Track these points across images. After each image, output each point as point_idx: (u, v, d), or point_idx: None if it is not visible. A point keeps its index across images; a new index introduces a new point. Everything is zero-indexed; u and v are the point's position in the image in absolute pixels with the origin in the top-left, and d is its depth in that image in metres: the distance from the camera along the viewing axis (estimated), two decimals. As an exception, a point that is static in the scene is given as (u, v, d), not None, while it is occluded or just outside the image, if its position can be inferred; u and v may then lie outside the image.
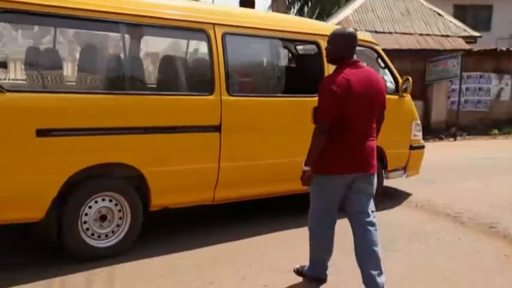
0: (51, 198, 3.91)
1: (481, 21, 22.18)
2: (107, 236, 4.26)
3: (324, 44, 4.93)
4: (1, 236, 4.73)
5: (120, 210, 4.31)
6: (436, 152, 9.78)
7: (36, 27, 4.47)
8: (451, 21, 16.01)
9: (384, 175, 6.06)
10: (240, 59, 5.01)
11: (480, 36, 16.46)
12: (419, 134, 6.33)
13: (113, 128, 4.10)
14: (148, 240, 4.73)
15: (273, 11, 13.52)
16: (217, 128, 4.60)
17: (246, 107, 4.82)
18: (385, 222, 5.51)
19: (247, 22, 4.88)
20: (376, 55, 6.10)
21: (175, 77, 4.75)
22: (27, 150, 3.76)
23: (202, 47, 4.76)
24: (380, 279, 3.55)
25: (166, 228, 5.10)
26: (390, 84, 6.18)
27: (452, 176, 7.04)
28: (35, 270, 4.01)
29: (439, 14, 16.16)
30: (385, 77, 6.26)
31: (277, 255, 4.46)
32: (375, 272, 3.55)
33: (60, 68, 4.36)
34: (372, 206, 3.70)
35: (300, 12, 25.20)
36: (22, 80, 4.03)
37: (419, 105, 14.26)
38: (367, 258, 3.58)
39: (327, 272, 3.92)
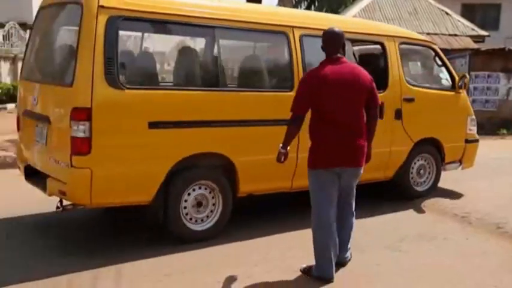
0: (158, 184, 4.40)
1: (489, 21, 22.07)
2: (202, 220, 4.70)
3: (387, 44, 5.81)
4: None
5: (213, 197, 4.74)
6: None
7: (148, 32, 5.19)
8: (459, 21, 15.96)
9: (441, 167, 6.46)
10: (315, 59, 5.32)
11: (488, 36, 16.38)
12: (474, 129, 6.74)
13: (210, 121, 4.61)
14: (155, 240, 4.75)
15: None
16: None
17: None
18: (392, 222, 5.51)
19: (321, 24, 5.11)
20: (433, 54, 6.50)
21: (260, 75, 5.21)
22: (141, 140, 4.29)
23: (282, 48, 5.21)
24: (347, 254, 4.20)
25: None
26: (446, 82, 6.56)
27: (460, 176, 7.00)
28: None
29: (447, 13, 16.09)
30: (441, 75, 6.64)
31: (282, 255, 4.46)
32: (344, 251, 4.15)
33: (167, 67, 4.90)
34: (353, 195, 4.14)
35: (307, 12, 25.16)
36: (137, 78, 4.62)
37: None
38: (343, 241, 4.08)
39: (334, 272, 3.93)
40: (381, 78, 5.65)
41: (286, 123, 3.98)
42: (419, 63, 8.14)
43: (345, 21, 6.45)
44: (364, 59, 6.22)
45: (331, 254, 3.92)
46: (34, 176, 4.77)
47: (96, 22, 4.08)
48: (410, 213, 5.86)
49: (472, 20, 17.81)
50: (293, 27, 5.10)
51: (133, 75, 4.55)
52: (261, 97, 4.95)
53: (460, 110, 6.56)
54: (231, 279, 3.95)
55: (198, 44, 5.41)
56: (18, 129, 5.24)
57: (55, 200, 4.52)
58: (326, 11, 23.86)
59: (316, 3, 25.27)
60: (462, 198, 6.43)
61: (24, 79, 5.27)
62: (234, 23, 4.82)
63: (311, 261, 4.02)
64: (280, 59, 5.45)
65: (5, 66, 22.74)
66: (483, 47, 15.06)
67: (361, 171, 4.02)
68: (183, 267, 4.16)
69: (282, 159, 3.92)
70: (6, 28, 23.09)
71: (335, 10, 23.29)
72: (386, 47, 5.83)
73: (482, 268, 4.37)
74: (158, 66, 4.81)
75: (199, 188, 4.66)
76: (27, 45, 5.34)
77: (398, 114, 5.82)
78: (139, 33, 5.14)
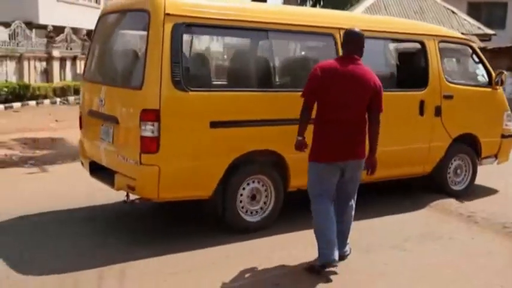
0: (218, 179, 4.69)
1: (496, 19, 21.95)
2: (256, 212, 4.99)
3: (428, 43, 6.02)
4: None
5: (266, 191, 5.01)
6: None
7: (208, 37, 5.57)
8: (465, 19, 15.89)
9: (477, 162, 6.66)
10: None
11: (495, 34, 16.28)
12: (510, 124, 6.92)
13: (264, 120, 4.86)
14: (162, 238, 4.77)
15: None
16: None
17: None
18: (398, 222, 5.49)
19: (365, 26, 5.25)
20: (471, 51, 6.75)
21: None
22: (202, 139, 4.58)
23: (330, 49, 5.40)
24: (346, 249, 4.30)
25: (177, 228, 5.12)
26: (482, 78, 6.79)
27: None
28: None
29: (453, 12, 16.03)
30: (477, 71, 6.91)
31: (286, 255, 4.45)
32: (343, 246, 4.25)
33: (225, 70, 5.21)
34: (356, 188, 4.26)
35: (312, 11, 25.10)
36: (199, 81, 4.84)
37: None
38: (342, 234, 4.19)
39: (337, 257, 4.00)
40: (422, 76, 5.96)
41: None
42: (457, 61, 8.38)
43: (387, 22, 6.75)
44: (405, 58, 6.57)
45: (333, 241, 4.01)
46: (99, 171, 5.04)
47: (163, 29, 4.36)
48: (415, 213, 5.84)
49: (478, 19, 17.73)
50: (339, 28, 5.24)
51: (195, 78, 4.75)
52: None
53: (496, 106, 6.73)
54: (235, 279, 3.95)
55: (254, 47, 5.63)
56: (81, 127, 5.55)
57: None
58: (331, 10, 23.79)
59: (322, 2, 25.18)
60: (468, 198, 6.39)
61: (87, 81, 5.58)
62: (286, 26, 5.07)
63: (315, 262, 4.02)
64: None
65: (11, 65, 22.83)
66: (489, 45, 14.98)
67: (363, 163, 4.14)
68: (189, 266, 4.17)
69: (302, 147, 4.13)
70: (12, 27, 23.18)
71: (339, 9, 23.22)
72: (427, 46, 6.00)
73: (488, 268, 4.35)
74: (217, 69, 5.23)
75: (254, 182, 4.94)
76: (89, 49, 5.70)
77: (438, 111, 6.01)
78: (201, 38, 5.42)
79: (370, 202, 5.77)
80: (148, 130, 4.31)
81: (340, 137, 4.00)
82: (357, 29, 4.14)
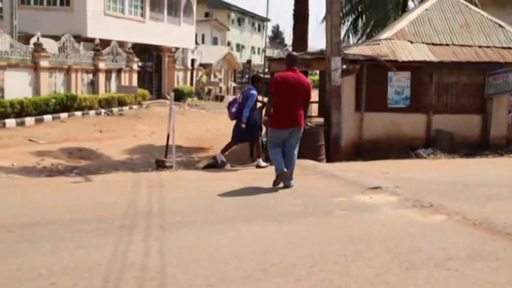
0: None
1: (545, 33, 21.20)
2: None
3: None
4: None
5: None
6: (495, 168, 9.43)
7: None
8: (513, 33, 15.42)
9: None
10: None
11: (544, 48, 15.63)
12: None
13: None
14: (197, 238, 4.80)
15: (326, 22, 13.47)
16: None
17: None
18: (441, 239, 5.35)
19: None
20: None
21: None
22: None
23: None
24: (292, 182, 7.62)
25: (209, 233, 5.14)
26: None
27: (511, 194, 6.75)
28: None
29: (500, 26, 15.60)
30: None
31: (328, 270, 4.40)
32: (290, 179, 7.61)
33: None
34: (297, 145, 7.79)
35: (354, 24, 24.96)
36: None
37: (477, 120, 13.81)
38: (288, 168, 7.54)
39: (284, 168, 7.44)
40: None
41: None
42: None
43: None
44: None
45: (281, 162, 7.44)
46: None
47: None
48: (459, 231, 5.68)
49: (526, 33, 17.13)
50: None
51: None
52: None
53: None
54: (274, 293, 3.93)
55: None
56: None
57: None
58: (374, 24, 23.58)
59: (364, 16, 25.00)
60: (515, 217, 6.17)
61: None
62: None
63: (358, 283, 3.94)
64: None
65: (60, 76, 23.63)
66: (538, 60, 14.47)
67: (301, 131, 7.65)
68: (227, 277, 4.17)
69: (267, 123, 7.78)
70: (61, 40, 24.03)
71: (384, 23, 22.97)
72: None
73: (538, 291, 4.17)
74: None
75: None
76: None
77: None
78: None
79: (411, 217, 5.64)
80: None
81: (288, 115, 7.50)
82: (293, 53, 8.11)
